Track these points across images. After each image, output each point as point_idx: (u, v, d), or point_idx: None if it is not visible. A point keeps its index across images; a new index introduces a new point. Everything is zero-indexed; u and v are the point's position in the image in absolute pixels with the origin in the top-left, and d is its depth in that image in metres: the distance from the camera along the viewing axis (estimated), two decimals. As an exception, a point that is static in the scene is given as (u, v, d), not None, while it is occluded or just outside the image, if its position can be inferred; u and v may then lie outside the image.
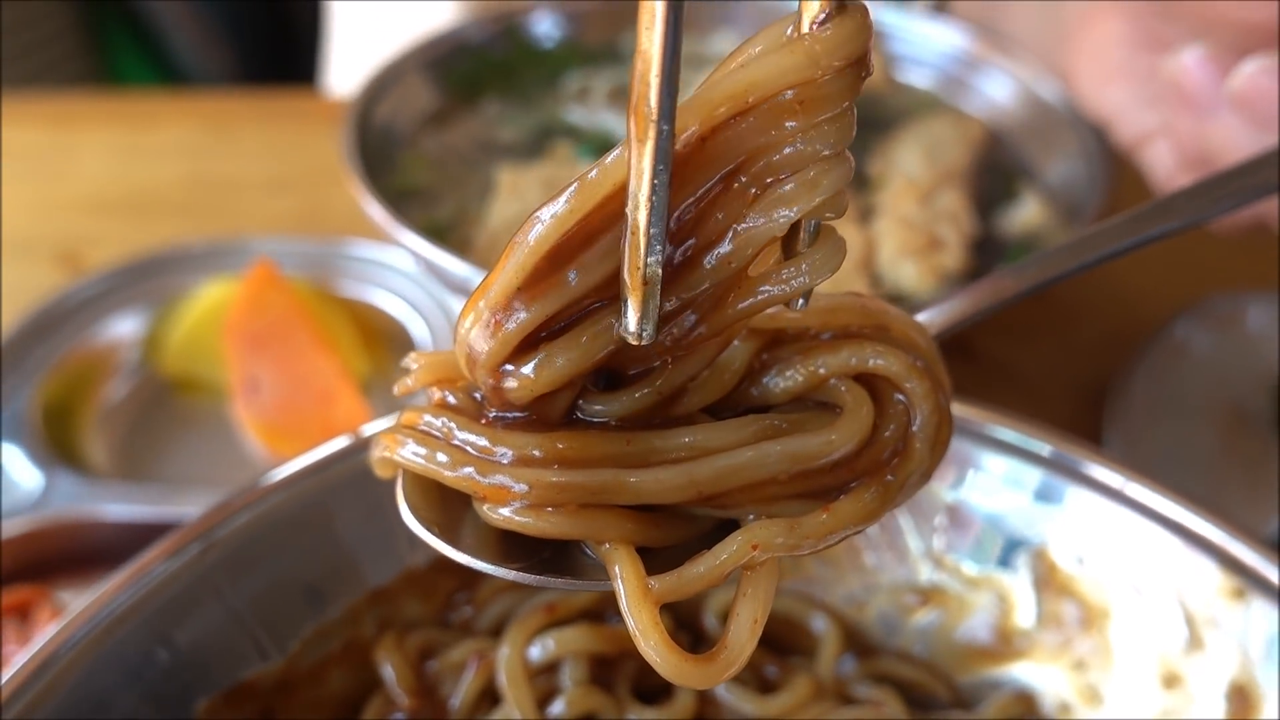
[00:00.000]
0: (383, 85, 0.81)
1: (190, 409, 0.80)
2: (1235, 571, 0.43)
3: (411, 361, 0.34)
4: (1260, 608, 0.43)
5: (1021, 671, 0.49)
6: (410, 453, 0.33)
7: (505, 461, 0.31)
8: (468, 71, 0.88)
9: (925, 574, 0.51)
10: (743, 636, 0.31)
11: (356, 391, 0.77)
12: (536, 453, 0.31)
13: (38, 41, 1.86)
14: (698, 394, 0.33)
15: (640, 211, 0.27)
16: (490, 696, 0.46)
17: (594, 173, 0.28)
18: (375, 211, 0.66)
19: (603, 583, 0.32)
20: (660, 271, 0.28)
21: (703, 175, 0.28)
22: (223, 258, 0.86)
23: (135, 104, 1.22)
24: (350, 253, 0.86)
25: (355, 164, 0.69)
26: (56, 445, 0.72)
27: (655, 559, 0.32)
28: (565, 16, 0.94)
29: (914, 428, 0.32)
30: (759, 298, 0.30)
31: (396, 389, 0.34)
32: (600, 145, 0.82)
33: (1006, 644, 0.49)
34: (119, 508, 0.66)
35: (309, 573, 0.46)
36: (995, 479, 0.49)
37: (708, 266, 0.29)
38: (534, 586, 0.50)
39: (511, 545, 0.33)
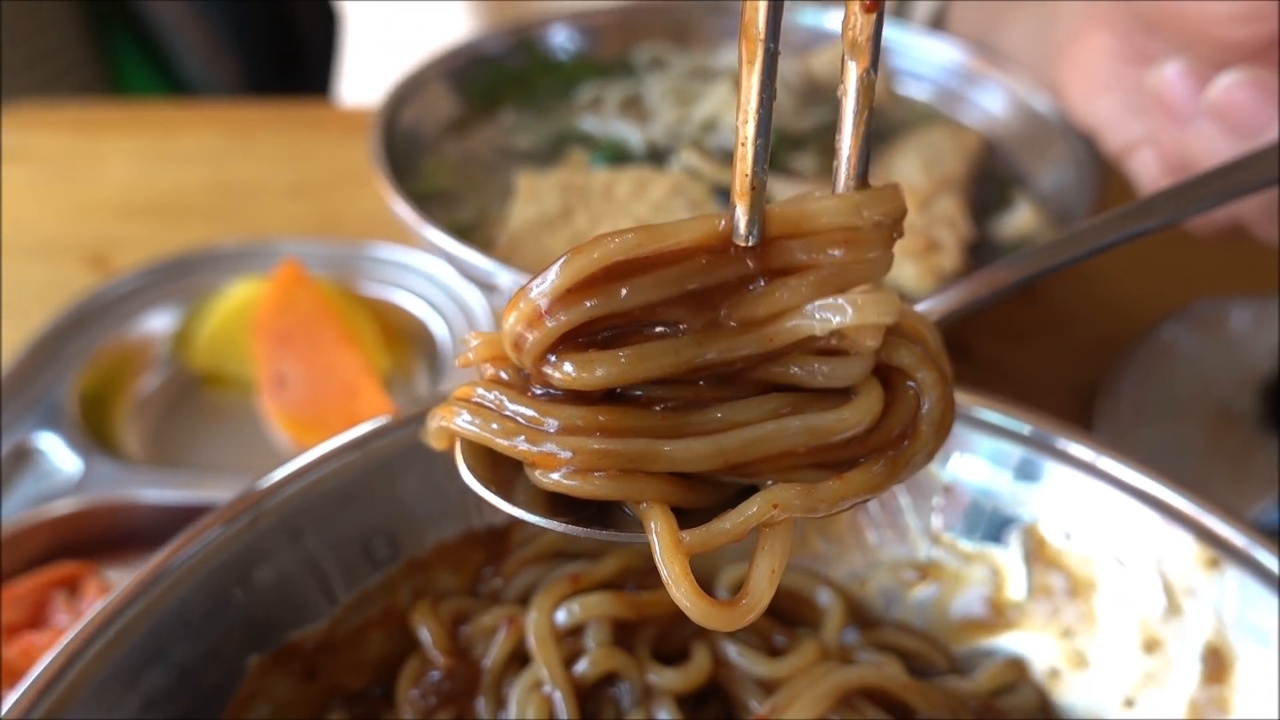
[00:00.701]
0: (406, 94, 0.85)
1: (219, 402, 0.84)
2: (1210, 543, 0.47)
3: (471, 339, 0.37)
4: (1233, 575, 0.46)
5: (1013, 640, 0.52)
6: (465, 422, 0.36)
7: (552, 431, 0.34)
8: (486, 82, 0.92)
9: (923, 551, 0.54)
10: (762, 585, 0.35)
11: (379, 386, 0.81)
12: (580, 423, 0.34)
13: (44, 52, 1.90)
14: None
15: (750, 124, 0.31)
16: (520, 658, 0.49)
17: (669, 225, 0.33)
18: (402, 210, 0.70)
19: (640, 536, 0.35)
20: (765, 180, 0.32)
21: (765, 267, 0.33)
22: (250, 258, 0.89)
23: (157, 112, 1.25)
24: (372, 254, 0.90)
25: (382, 165, 0.73)
26: (94, 434, 0.75)
27: (687, 521, 0.35)
28: (579, 30, 0.98)
29: (922, 411, 0.36)
30: (786, 371, 0.35)
31: (458, 361, 0.37)
32: (613, 152, 0.86)
33: (999, 615, 0.53)
34: (155, 492, 0.70)
35: (359, 538, 0.49)
36: (988, 461, 0.53)
37: (753, 335, 0.34)
38: (560, 559, 0.53)
39: (558, 505, 0.36)
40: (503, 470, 0.37)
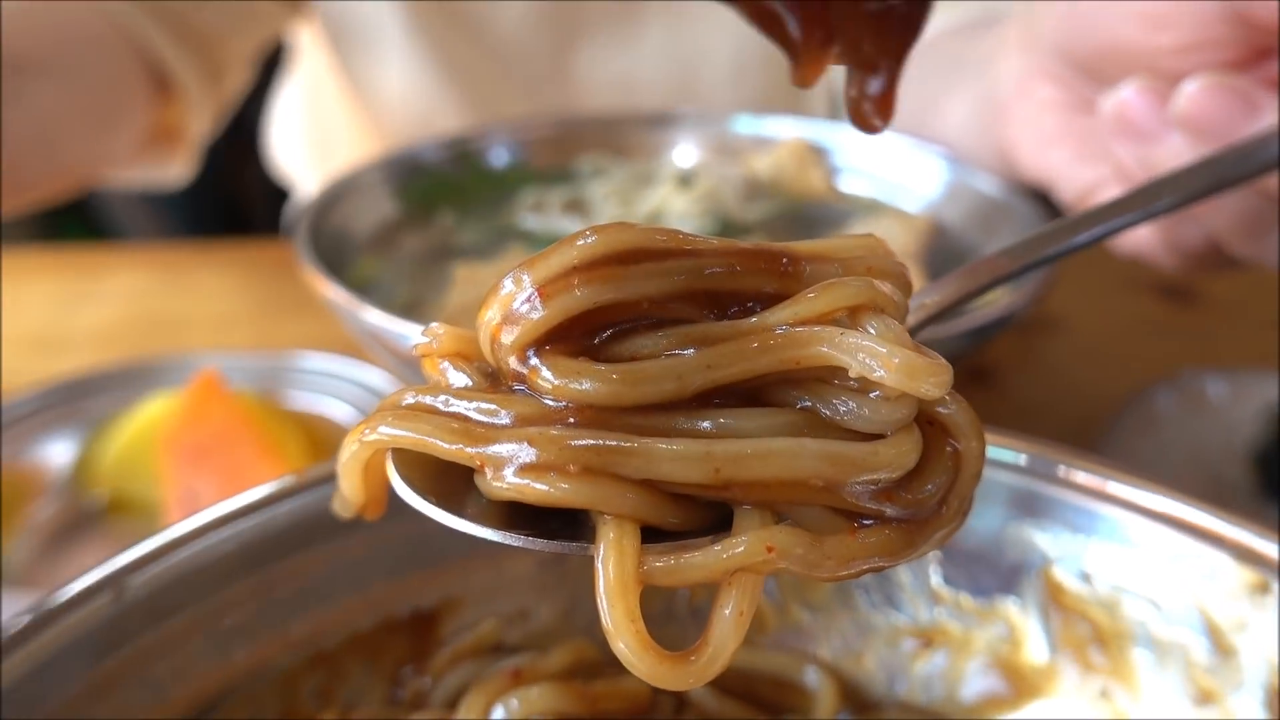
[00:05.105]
0: (339, 194, 0.81)
1: (122, 528, 0.75)
2: (1254, 564, 0.40)
3: (438, 328, 0.32)
4: (1287, 599, 0.39)
5: (1042, 710, 0.44)
6: (395, 429, 0.30)
7: (509, 423, 0.29)
8: (423, 188, 0.89)
9: (924, 612, 0.47)
10: (726, 631, 0.28)
11: (303, 500, 0.72)
12: (543, 414, 0.29)
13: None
14: None
15: None
16: (448, 766, 0.40)
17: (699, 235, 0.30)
18: (331, 293, 0.64)
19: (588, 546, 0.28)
20: None
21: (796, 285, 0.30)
22: (165, 374, 0.83)
23: (82, 256, 1.21)
24: (300, 365, 0.83)
25: (309, 255, 0.68)
26: (-32, 565, 0.66)
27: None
28: (516, 143, 0.97)
29: (957, 483, 0.30)
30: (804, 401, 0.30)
31: (415, 349, 0.32)
32: (555, 246, 0.82)
33: (1022, 681, 0.45)
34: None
35: (248, 623, 0.41)
36: (986, 501, 0.46)
37: (776, 355, 0.29)
38: (499, 653, 0.45)
39: (515, 525, 0.30)
40: (449, 484, 0.30)
